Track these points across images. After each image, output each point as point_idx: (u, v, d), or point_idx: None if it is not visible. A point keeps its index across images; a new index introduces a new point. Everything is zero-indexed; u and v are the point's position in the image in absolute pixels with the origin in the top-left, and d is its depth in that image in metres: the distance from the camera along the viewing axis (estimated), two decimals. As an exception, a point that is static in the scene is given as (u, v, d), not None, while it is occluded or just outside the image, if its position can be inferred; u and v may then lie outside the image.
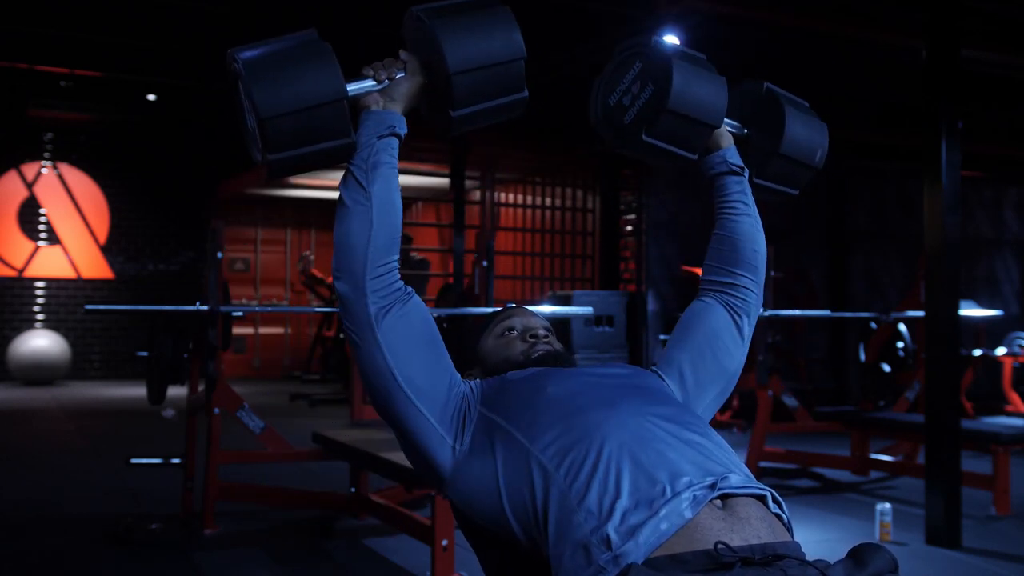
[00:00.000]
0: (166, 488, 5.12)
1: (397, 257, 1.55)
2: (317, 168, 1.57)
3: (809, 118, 1.91)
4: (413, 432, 1.52)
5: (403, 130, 1.57)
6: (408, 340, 1.52)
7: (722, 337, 1.74)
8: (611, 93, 1.81)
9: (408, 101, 1.59)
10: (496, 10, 1.60)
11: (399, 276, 1.56)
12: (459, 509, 1.53)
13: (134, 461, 4.86)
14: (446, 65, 1.52)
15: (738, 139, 1.88)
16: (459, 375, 1.59)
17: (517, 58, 1.59)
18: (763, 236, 1.82)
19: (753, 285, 1.78)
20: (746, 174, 1.83)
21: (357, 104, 1.56)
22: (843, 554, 1.32)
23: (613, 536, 1.28)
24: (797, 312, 7.42)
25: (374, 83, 1.57)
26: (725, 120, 1.80)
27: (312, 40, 1.52)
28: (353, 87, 1.54)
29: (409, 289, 1.57)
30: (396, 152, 1.56)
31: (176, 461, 4.79)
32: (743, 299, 1.78)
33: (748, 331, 1.78)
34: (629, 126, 1.76)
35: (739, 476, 1.38)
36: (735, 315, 1.76)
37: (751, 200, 1.82)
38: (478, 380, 1.60)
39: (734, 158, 1.82)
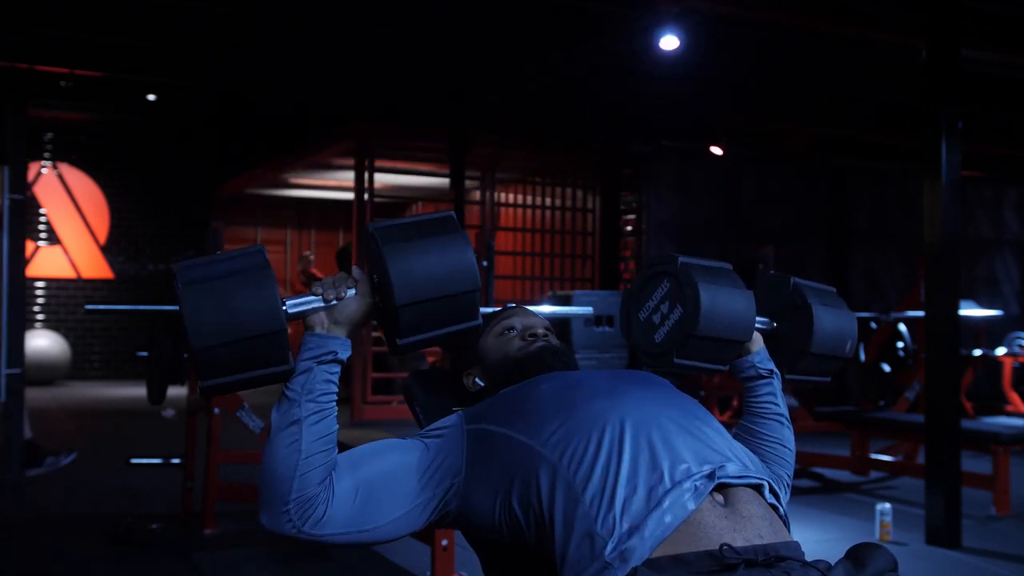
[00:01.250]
0: (166, 488, 5.12)
1: (326, 480, 1.44)
2: (255, 387, 1.49)
3: (837, 311, 1.92)
4: (432, 514, 1.50)
5: (345, 354, 1.49)
6: (358, 501, 1.45)
7: None
8: (641, 308, 1.80)
9: (354, 324, 1.51)
10: (453, 237, 1.53)
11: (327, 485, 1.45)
12: (467, 526, 1.53)
13: (134, 461, 4.86)
14: (393, 296, 1.46)
15: (767, 334, 1.89)
16: (414, 441, 1.54)
17: (470, 291, 1.52)
18: (792, 432, 1.83)
19: (786, 475, 1.79)
20: (776, 376, 1.84)
21: (302, 320, 1.50)
22: (843, 554, 1.33)
23: (618, 525, 1.29)
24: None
25: (321, 301, 1.49)
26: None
27: (256, 264, 1.45)
28: (298, 304, 1.48)
29: (327, 483, 1.44)
30: (336, 377, 1.48)
31: (176, 461, 4.79)
32: (776, 486, 1.78)
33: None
34: (660, 346, 1.76)
35: (737, 464, 1.40)
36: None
37: (781, 400, 1.83)
38: (458, 414, 1.57)
39: (763, 363, 1.83)
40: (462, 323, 1.54)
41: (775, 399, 1.82)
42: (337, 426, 1.47)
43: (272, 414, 1.46)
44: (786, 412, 1.84)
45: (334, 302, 1.49)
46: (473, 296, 1.53)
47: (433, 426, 1.56)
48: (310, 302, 1.49)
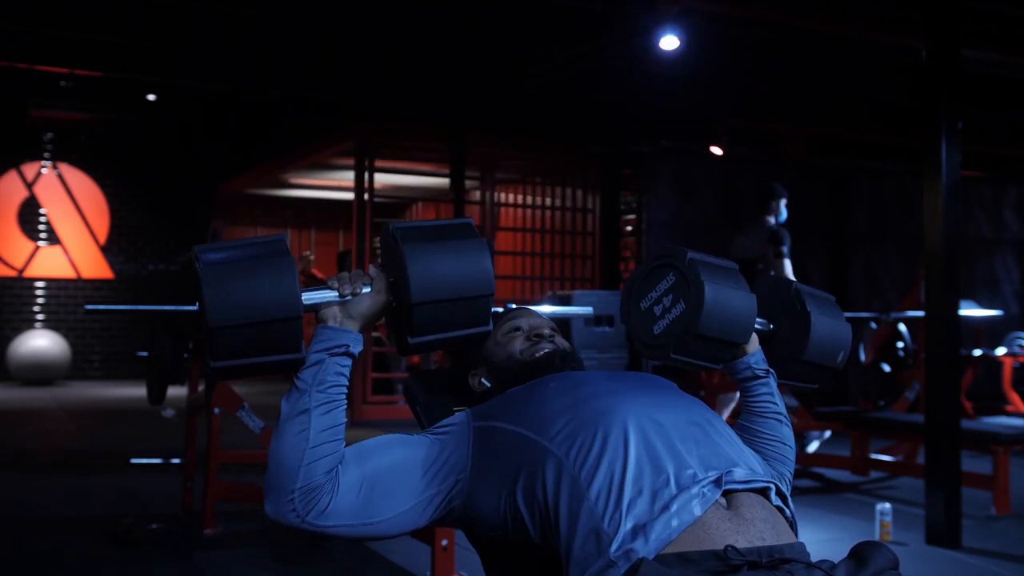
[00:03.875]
0: (166, 488, 5.12)
1: (332, 472, 1.45)
2: (264, 375, 1.50)
3: (834, 320, 1.93)
4: (435, 512, 1.50)
5: (357, 349, 1.50)
6: (363, 494, 1.45)
7: None
8: (643, 298, 1.80)
9: (368, 320, 1.53)
10: (472, 242, 1.55)
11: (333, 476, 1.45)
12: (471, 525, 1.53)
13: (134, 461, 4.86)
14: (410, 293, 1.48)
15: (764, 335, 1.90)
16: (421, 436, 1.54)
17: (485, 294, 1.54)
18: (791, 430, 1.85)
19: (787, 472, 1.80)
20: (772, 376, 1.85)
21: (315, 313, 1.51)
22: (844, 554, 1.33)
23: (624, 524, 1.29)
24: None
25: (336, 295, 1.51)
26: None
27: (277, 251, 1.47)
28: (313, 296, 1.49)
29: (333, 474, 1.45)
30: (347, 371, 1.49)
31: (176, 461, 4.79)
32: (778, 482, 1.79)
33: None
34: (658, 338, 1.76)
35: (744, 469, 1.40)
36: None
37: (779, 399, 1.84)
38: (465, 412, 1.58)
39: (759, 363, 1.84)
40: (473, 327, 1.56)
41: (773, 398, 1.83)
42: (345, 419, 1.48)
43: (282, 403, 1.47)
44: (784, 410, 1.85)
45: (349, 297, 1.51)
46: (487, 301, 1.55)
47: (440, 423, 1.56)
48: (325, 295, 1.51)
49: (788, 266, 6.18)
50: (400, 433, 1.56)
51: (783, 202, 6.45)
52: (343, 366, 1.48)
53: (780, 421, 1.82)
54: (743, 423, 1.83)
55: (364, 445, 1.51)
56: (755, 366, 1.83)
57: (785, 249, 6.21)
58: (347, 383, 1.48)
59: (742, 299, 1.75)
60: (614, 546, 1.28)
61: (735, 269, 1.80)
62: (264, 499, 1.44)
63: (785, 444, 1.82)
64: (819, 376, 1.95)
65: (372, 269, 1.55)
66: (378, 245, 1.65)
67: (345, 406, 1.48)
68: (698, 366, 1.77)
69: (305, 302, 1.47)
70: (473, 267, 1.53)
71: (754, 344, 1.84)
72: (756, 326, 1.85)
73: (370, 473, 1.46)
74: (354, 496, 1.44)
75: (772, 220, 6.38)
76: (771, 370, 1.85)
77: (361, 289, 1.52)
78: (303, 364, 1.46)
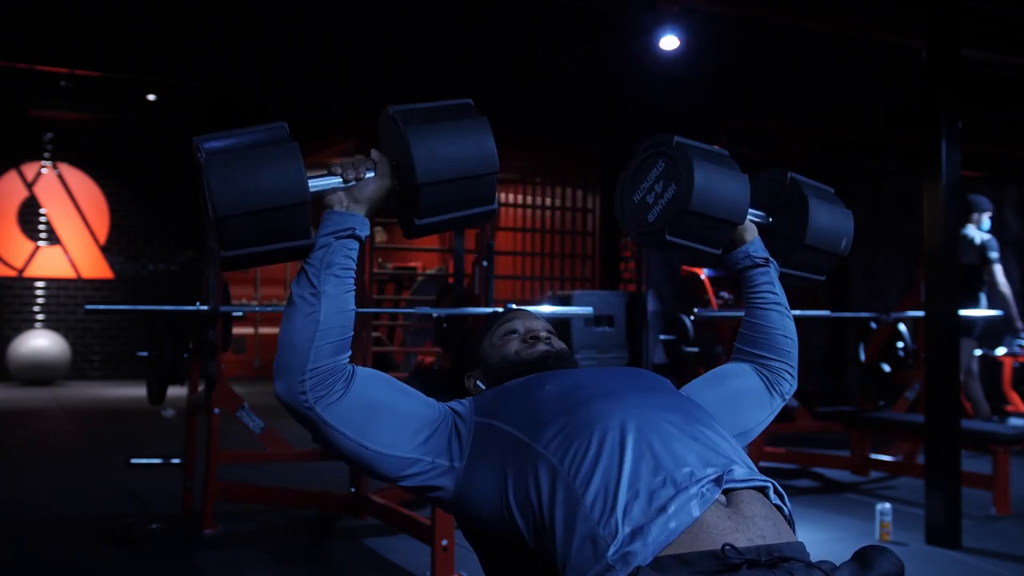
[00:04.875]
0: (166, 488, 5.12)
1: (345, 358, 1.48)
2: (273, 263, 1.51)
3: (833, 206, 1.94)
4: (412, 475, 1.50)
5: (364, 232, 1.52)
6: (368, 414, 1.47)
7: (748, 398, 1.76)
8: (635, 190, 1.81)
9: (373, 204, 1.54)
10: (473, 120, 1.55)
11: (342, 366, 1.48)
12: (465, 519, 1.53)
13: (134, 461, 4.86)
14: (415, 175, 1.48)
15: (763, 228, 1.90)
16: (436, 401, 1.56)
17: (490, 172, 1.54)
18: (793, 323, 1.85)
19: (788, 368, 1.81)
20: (772, 265, 1.85)
21: (320, 200, 1.52)
22: (843, 554, 1.33)
23: (621, 529, 1.29)
24: (797, 312, 7.39)
25: (340, 181, 1.52)
26: (749, 211, 1.81)
27: (280, 137, 1.47)
28: (317, 183, 1.50)
29: (349, 369, 1.49)
30: (355, 254, 1.50)
31: (176, 461, 4.79)
32: (779, 379, 1.81)
33: (778, 404, 1.80)
34: (653, 224, 1.76)
35: (742, 468, 1.40)
36: (769, 387, 1.79)
37: (779, 289, 1.84)
38: (470, 399, 1.59)
39: (758, 251, 1.84)
40: (480, 206, 1.56)
41: (773, 287, 1.83)
42: (355, 305, 1.50)
43: (291, 287, 1.48)
44: (785, 301, 1.84)
45: (353, 182, 1.52)
46: (492, 179, 1.55)
47: (456, 403, 1.57)
48: (330, 182, 1.52)
49: (999, 271, 6.94)
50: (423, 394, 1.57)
51: (987, 215, 7.05)
52: (351, 249, 1.50)
53: (781, 312, 1.82)
54: (745, 319, 1.83)
55: (385, 376, 1.54)
56: (754, 254, 1.83)
57: (995, 255, 6.90)
58: (355, 266, 1.50)
59: (734, 177, 1.76)
60: (611, 550, 1.28)
61: (726, 154, 1.81)
62: (274, 380, 1.46)
63: (787, 336, 1.82)
64: (823, 264, 1.95)
65: (375, 153, 1.56)
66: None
67: (353, 290, 1.49)
68: (695, 250, 1.76)
69: (311, 189, 1.47)
70: (476, 145, 1.53)
71: (752, 233, 1.85)
72: (754, 218, 1.87)
73: (381, 400, 1.49)
74: (360, 410, 1.46)
75: (973, 229, 6.95)
76: (771, 259, 1.85)
77: (365, 174, 1.53)
78: (312, 248, 1.48)
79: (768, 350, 1.80)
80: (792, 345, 1.82)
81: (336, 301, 1.47)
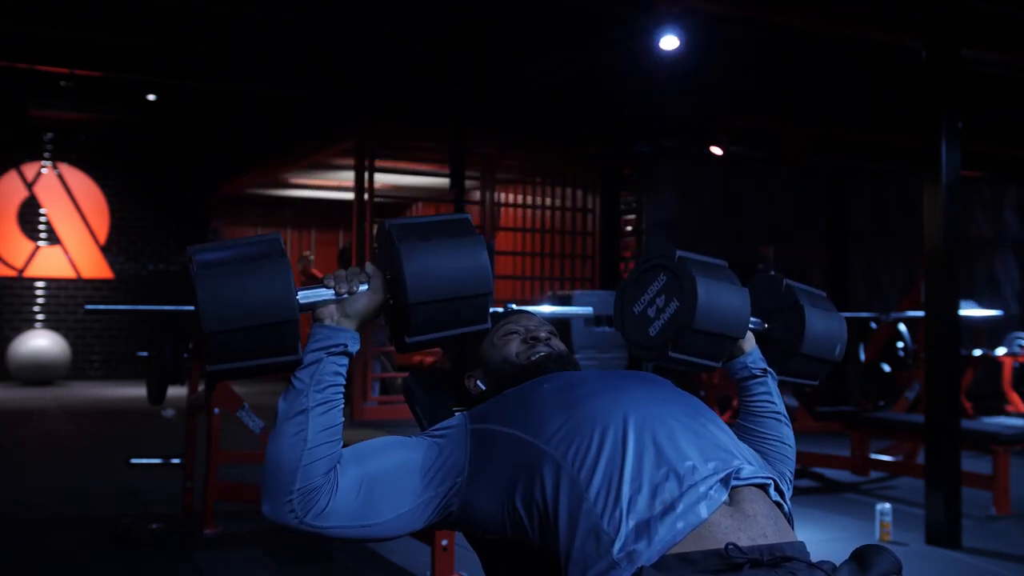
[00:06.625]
0: (166, 488, 5.12)
1: (333, 472, 1.44)
2: (260, 375, 1.49)
3: (828, 314, 1.94)
4: (429, 516, 1.49)
5: (355, 348, 1.48)
6: (362, 496, 1.44)
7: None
8: (635, 302, 1.81)
9: (365, 318, 1.50)
10: (469, 239, 1.52)
11: (330, 478, 1.44)
12: (470, 525, 1.53)
13: (134, 461, 4.86)
14: (406, 293, 1.46)
15: (759, 335, 1.91)
16: (418, 439, 1.53)
17: (483, 293, 1.52)
18: (791, 430, 1.84)
19: (788, 474, 1.80)
20: (770, 375, 1.85)
21: (312, 311, 1.49)
22: (843, 554, 1.33)
23: (624, 523, 1.29)
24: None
25: (332, 294, 1.49)
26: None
27: (271, 251, 1.44)
28: (308, 296, 1.47)
29: (331, 475, 1.44)
30: (344, 370, 1.47)
31: (176, 461, 4.79)
32: (779, 481, 1.78)
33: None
34: (654, 339, 1.76)
35: (745, 464, 1.41)
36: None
37: (777, 399, 1.84)
38: (462, 413, 1.57)
39: (757, 363, 1.84)
40: (471, 325, 1.54)
41: (771, 397, 1.83)
42: (343, 419, 1.47)
43: (279, 403, 1.45)
44: (783, 410, 1.84)
45: (345, 295, 1.49)
46: (485, 300, 1.53)
47: (438, 426, 1.56)
48: (321, 294, 1.49)
49: None
50: (398, 436, 1.55)
51: None
52: (340, 365, 1.47)
53: (779, 420, 1.82)
54: (742, 423, 1.83)
55: (362, 446, 1.50)
56: (752, 365, 1.83)
57: None
58: (344, 382, 1.47)
59: (735, 292, 1.76)
60: (616, 546, 1.28)
61: (724, 266, 1.81)
62: (262, 500, 1.44)
63: (785, 444, 1.81)
64: (818, 371, 1.96)
65: (369, 266, 1.54)
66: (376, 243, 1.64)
67: (343, 405, 1.47)
68: (697, 365, 1.77)
69: (301, 301, 1.45)
70: (471, 265, 1.50)
71: (750, 343, 1.85)
72: (752, 325, 1.86)
73: (369, 474, 1.46)
74: (353, 497, 1.43)
75: None
76: (769, 370, 1.85)
77: (358, 287, 1.50)
78: (300, 364, 1.45)
79: (767, 456, 1.79)
80: (791, 452, 1.82)
81: (324, 418, 1.43)
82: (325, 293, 1.50)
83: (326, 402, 1.44)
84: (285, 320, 1.40)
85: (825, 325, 1.91)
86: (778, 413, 1.83)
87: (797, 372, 1.94)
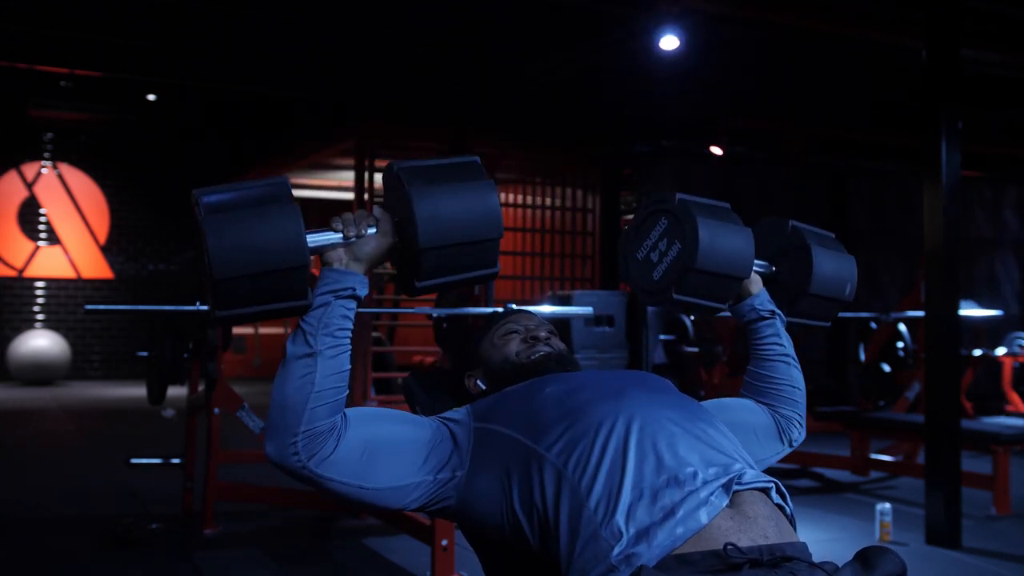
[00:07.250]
0: (166, 488, 5.12)
1: (340, 416, 1.44)
2: (267, 319, 1.48)
3: (837, 253, 1.93)
4: (417, 497, 1.49)
5: (363, 292, 1.47)
6: (365, 456, 1.44)
7: (758, 432, 1.77)
8: (638, 248, 1.80)
9: (373, 262, 1.50)
10: (479, 183, 1.51)
11: (336, 422, 1.45)
12: (468, 523, 1.53)
13: (134, 461, 4.86)
14: (417, 238, 1.44)
15: (767, 278, 1.90)
16: (428, 419, 1.54)
17: (493, 238, 1.50)
18: (800, 373, 1.84)
19: (798, 417, 1.81)
20: (778, 316, 1.85)
21: (319, 255, 1.48)
22: (844, 554, 1.33)
23: (625, 530, 1.29)
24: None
25: (340, 237, 1.48)
26: (754, 262, 1.81)
27: (280, 195, 1.42)
28: (317, 239, 1.46)
29: (337, 421, 1.44)
30: (352, 314, 1.47)
31: (176, 461, 4.79)
32: (790, 426, 1.81)
33: (785, 450, 1.80)
34: (658, 283, 1.76)
35: (747, 469, 1.40)
36: (779, 431, 1.80)
37: (786, 340, 1.84)
38: (467, 406, 1.57)
39: (764, 304, 1.84)
40: (481, 270, 1.52)
41: (779, 339, 1.83)
42: (350, 365, 1.46)
43: (286, 345, 1.44)
44: (792, 352, 1.84)
45: (354, 239, 1.48)
46: (495, 244, 1.51)
47: (449, 413, 1.56)
48: (330, 237, 1.48)
49: None
50: (408, 412, 1.56)
51: None
52: (348, 309, 1.46)
53: (788, 363, 1.83)
54: (752, 368, 1.83)
55: (373, 411, 1.51)
56: (759, 307, 1.83)
57: None
58: (352, 326, 1.46)
59: (738, 233, 1.75)
60: (615, 551, 1.28)
61: (727, 207, 1.80)
62: (266, 442, 1.43)
63: (795, 387, 1.82)
64: (828, 311, 1.94)
65: (377, 210, 1.53)
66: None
67: (350, 351, 1.46)
68: (702, 307, 1.76)
69: (310, 244, 1.44)
70: (482, 209, 1.49)
71: (757, 285, 1.85)
72: (758, 268, 1.86)
73: (375, 438, 1.46)
74: (357, 455, 1.43)
75: None
76: (777, 311, 1.85)
77: (366, 230, 1.49)
78: (310, 308, 1.45)
79: (777, 400, 1.80)
80: (801, 396, 1.82)
81: (332, 362, 1.43)
82: (334, 236, 1.48)
83: (335, 345, 1.44)
84: (297, 265, 1.39)
85: (834, 265, 1.90)
86: (787, 356, 1.83)
87: (807, 313, 1.92)
